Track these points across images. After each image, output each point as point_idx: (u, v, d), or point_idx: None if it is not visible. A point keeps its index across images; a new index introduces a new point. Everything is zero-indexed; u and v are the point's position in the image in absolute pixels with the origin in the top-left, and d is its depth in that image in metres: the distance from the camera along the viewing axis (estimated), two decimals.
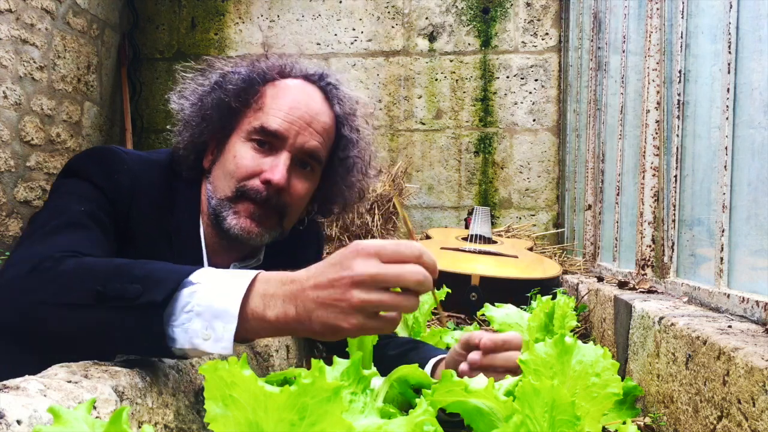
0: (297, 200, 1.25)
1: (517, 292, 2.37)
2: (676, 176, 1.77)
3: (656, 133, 1.93)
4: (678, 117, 1.77)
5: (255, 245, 1.28)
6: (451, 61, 4.18)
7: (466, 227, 3.62)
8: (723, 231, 1.40)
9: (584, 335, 2.02)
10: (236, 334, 0.82)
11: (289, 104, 1.23)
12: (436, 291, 1.03)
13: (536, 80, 4.12)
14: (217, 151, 1.27)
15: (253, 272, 0.86)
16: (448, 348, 1.72)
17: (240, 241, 1.23)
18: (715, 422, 0.96)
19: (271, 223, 1.23)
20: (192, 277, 0.86)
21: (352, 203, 1.39)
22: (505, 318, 1.47)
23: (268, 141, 1.21)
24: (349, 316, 0.80)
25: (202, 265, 1.21)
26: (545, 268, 2.75)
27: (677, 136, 1.77)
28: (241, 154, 1.21)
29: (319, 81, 1.29)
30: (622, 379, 1.01)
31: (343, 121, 1.30)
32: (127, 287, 0.85)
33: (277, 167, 1.20)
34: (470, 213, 3.76)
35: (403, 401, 1.11)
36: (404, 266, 0.81)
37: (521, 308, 1.54)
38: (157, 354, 0.89)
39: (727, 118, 1.40)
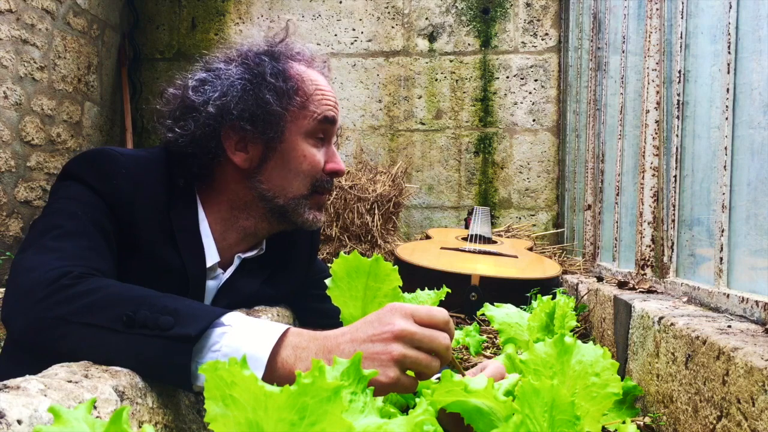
0: None
1: (517, 292, 2.37)
2: (675, 176, 1.78)
3: (656, 133, 1.93)
4: (678, 117, 1.77)
5: (255, 244, 1.33)
6: (451, 61, 4.18)
7: (466, 227, 3.62)
8: (722, 231, 1.40)
9: (584, 335, 2.03)
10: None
11: (327, 90, 1.28)
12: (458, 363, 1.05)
13: (536, 80, 4.12)
14: (267, 151, 1.23)
15: (284, 325, 0.89)
16: None
17: (307, 229, 1.32)
18: (714, 422, 0.96)
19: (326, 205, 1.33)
20: (224, 319, 0.88)
21: None
22: (505, 318, 1.47)
23: (326, 131, 1.27)
24: (387, 369, 0.85)
25: (204, 260, 1.22)
26: (545, 268, 2.76)
27: (677, 136, 1.77)
28: (311, 153, 1.25)
29: (314, 63, 1.32)
30: (622, 379, 1.01)
31: None
32: (159, 317, 0.86)
33: (335, 156, 1.29)
34: (470, 213, 3.76)
35: (403, 401, 1.11)
36: (436, 331, 0.88)
37: (521, 308, 1.54)
38: (177, 385, 0.90)
39: (726, 118, 1.40)
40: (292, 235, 1.39)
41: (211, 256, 1.23)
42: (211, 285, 1.26)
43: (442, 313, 0.91)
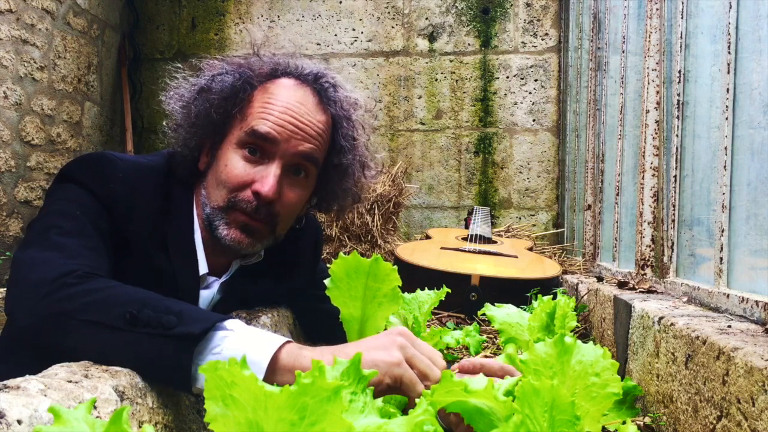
0: (289, 209, 1.23)
1: (517, 292, 2.37)
2: (675, 176, 1.78)
3: (656, 133, 1.93)
4: (678, 117, 1.77)
5: (247, 254, 1.27)
6: (451, 61, 4.18)
7: (466, 227, 3.62)
8: (722, 231, 1.40)
9: (584, 335, 2.03)
10: None
11: (280, 107, 1.19)
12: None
13: (536, 80, 4.12)
14: (210, 156, 1.25)
15: (285, 337, 0.92)
16: (448, 348, 1.72)
17: (231, 250, 1.22)
18: (714, 422, 0.96)
19: (262, 233, 1.21)
20: (226, 323, 0.89)
21: (347, 206, 1.38)
22: (505, 318, 1.47)
23: (259, 147, 1.18)
24: (392, 350, 0.90)
25: (197, 268, 1.22)
26: (545, 268, 2.76)
27: (677, 136, 1.77)
28: (233, 164, 1.18)
29: (314, 82, 1.25)
30: (622, 379, 1.01)
31: (339, 124, 1.26)
32: (162, 316, 0.87)
33: (266, 178, 1.16)
34: (470, 213, 3.76)
35: (403, 401, 1.11)
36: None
37: (521, 308, 1.54)
38: (176, 386, 0.90)
39: (726, 118, 1.40)
40: (295, 240, 1.38)
41: (201, 266, 1.23)
42: (204, 294, 1.26)
43: (442, 359, 0.97)
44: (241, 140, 1.19)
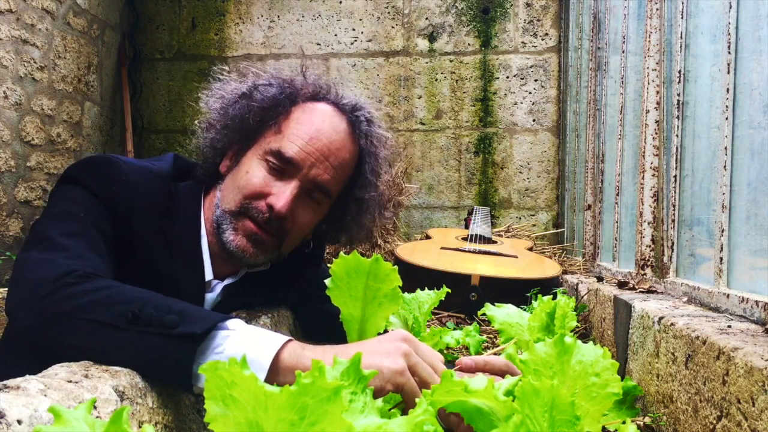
0: (299, 228, 1.25)
1: (517, 292, 2.37)
2: (675, 176, 1.78)
3: (656, 133, 1.93)
4: (678, 117, 1.77)
5: (248, 264, 1.27)
6: (451, 61, 4.18)
7: (466, 227, 3.62)
8: (722, 231, 1.40)
9: (584, 335, 2.03)
10: None
11: (311, 133, 1.21)
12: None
13: (536, 80, 4.12)
14: (234, 161, 1.26)
15: (287, 336, 0.91)
16: (448, 348, 1.72)
17: (234, 257, 1.22)
18: (714, 422, 0.96)
19: (268, 246, 1.22)
20: (228, 323, 0.90)
21: (359, 239, 1.40)
22: (505, 318, 1.47)
23: (281, 166, 1.20)
24: (396, 357, 0.89)
25: (203, 275, 1.22)
26: (545, 268, 2.76)
27: (677, 136, 1.77)
28: (254, 172, 1.21)
29: (351, 112, 1.27)
30: (622, 379, 1.01)
31: (365, 159, 1.28)
32: (164, 316, 0.87)
33: (283, 194, 1.19)
34: (470, 213, 3.76)
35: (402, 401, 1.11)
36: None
37: (521, 308, 1.54)
38: (178, 386, 0.90)
39: (726, 118, 1.40)
40: (301, 256, 1.38)
41: (207, 272, 1.23)
42: (207, 297, 1.26)
43: (442, 365, 0.96)
44: (266, 154, 1.21)
